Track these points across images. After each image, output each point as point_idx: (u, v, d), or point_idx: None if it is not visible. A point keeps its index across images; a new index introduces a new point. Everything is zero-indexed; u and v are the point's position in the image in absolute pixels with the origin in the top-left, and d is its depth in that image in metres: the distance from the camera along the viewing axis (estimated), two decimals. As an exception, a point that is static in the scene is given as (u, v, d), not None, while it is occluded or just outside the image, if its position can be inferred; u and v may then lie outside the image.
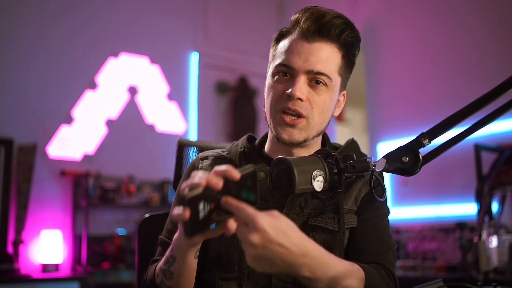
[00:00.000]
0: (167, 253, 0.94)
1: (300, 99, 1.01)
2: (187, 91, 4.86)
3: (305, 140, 1.05)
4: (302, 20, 1.04)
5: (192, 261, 0.93)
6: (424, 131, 0.92)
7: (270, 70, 1.09)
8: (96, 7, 4.41)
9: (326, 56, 1.03)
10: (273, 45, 1.11)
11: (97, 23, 4.39)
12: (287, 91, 1.02)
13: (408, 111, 4.12)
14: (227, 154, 1.16)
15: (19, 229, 3.75)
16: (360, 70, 4.59)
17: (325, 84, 1.04)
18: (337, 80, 1.06)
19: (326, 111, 1.06)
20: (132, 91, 4.54)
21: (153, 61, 4.65)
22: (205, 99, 4.93)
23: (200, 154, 1.19)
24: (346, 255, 1.07)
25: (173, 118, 4.72)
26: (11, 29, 3.97)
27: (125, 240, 4.13)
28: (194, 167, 1.16)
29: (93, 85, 4.33)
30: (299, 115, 1.03)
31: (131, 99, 4.52)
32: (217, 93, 5.04)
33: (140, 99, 4.56)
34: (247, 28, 5.18)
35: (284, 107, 1.03)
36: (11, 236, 3.76)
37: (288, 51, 1.04)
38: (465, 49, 3.80)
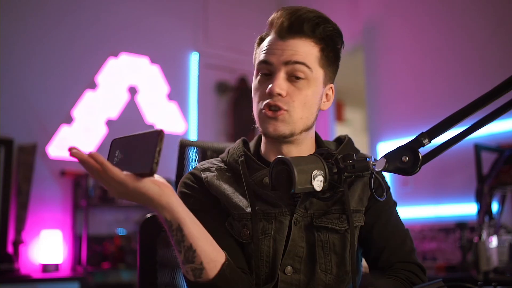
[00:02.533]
0: (173, 241, 0.90)
1: (280, 94, 1.02)
2: (187, 91, 4.86)
3: (292, 134, 1.05)
4: (276, 19, 1.07)
5: (192, 220, 0.90)
6: (424, 131, 0.92)
7: (254, 73, 1.10)
8: (96, 7, 4.41)
9: (302, 50, 1.03)
10: (255, 50, 1.13)
11: (97, 23, 4.39)
12: (267, 89, 1.03)
13: (408, 111, 4.12)
14: (226, 165, 1.14)
15: (19, 229, 3.75)
16: (360, 70, 4.59)
17: (306, 78, 1.04)
18: (318, 71, 1.06)
19: (310, 105, 1.06)
20: (132, 91, 4.54)
21: (153, 61, 4.65)
22: (205, 99, 4.93)
23: (199, 166, 1.15)
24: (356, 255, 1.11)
25: (173, 118, 4.72)
26: (11, 29, 3.97)
27: (125, 240, 4.13)
28: (197, 178, 1.12)
29: (93, 85, 4.33)
30: (280, 108, 1.03)
31: (131, 99, 4.52)
32: (217, 93, 5.04)
33: (140, 99, 4.56)
34: (247, 28, 5.17)
35: (266, 103, 1.04)
36: (11, 236, 3.76)
37: (266, 50, 1.06)
38: (465, 49, 3.80)
